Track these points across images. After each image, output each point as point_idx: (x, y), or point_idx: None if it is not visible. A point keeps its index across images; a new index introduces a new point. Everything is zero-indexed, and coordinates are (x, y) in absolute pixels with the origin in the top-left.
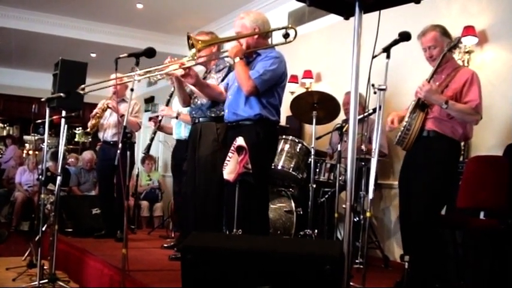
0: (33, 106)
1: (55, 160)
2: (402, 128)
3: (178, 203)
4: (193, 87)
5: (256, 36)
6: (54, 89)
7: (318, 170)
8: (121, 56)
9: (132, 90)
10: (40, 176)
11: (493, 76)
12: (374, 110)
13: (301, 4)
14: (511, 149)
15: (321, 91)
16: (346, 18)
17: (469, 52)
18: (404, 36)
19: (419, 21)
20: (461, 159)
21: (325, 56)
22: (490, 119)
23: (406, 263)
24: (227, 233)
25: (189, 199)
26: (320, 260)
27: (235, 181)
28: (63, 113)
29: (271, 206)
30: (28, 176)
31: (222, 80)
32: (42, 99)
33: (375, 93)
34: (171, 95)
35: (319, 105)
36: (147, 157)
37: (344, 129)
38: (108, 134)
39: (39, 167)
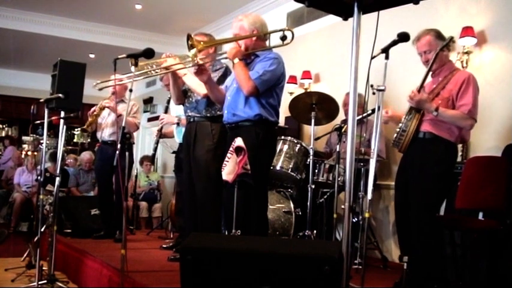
0: (32, 107)
1: (54, 161)
2: (398, 130)
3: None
4: (190, 84)
5: (254, 38)
6: (53, 89)
7: (316, 170)
8: (120, 56)
9: (130, 90)
10: (39, 177)
11: (491, 77)
12: (373, 111)
13: (300, 5)
14: (510, 149)
15: (320, 92)
16: (345, 19)
17: (467, 53)
18: (403, 37)
19: (418, 22)
20: (460, 159)
21: (324, 57)
22: (489, 120)
23: (405, 264)
24: (226, 233)
25: (185, 199)
26: (319, 261)
27: (234, 182)
28: (62, 114)
29: (270, 206)
30: (27, 177)
31: (219, 80)
32: (41, 100)
33: (373, 93)
34: (168, 101)
35: (318, 106)
36: (146, 158)
37: (343, 130)
38: (105, 134)
39: (38, 167)
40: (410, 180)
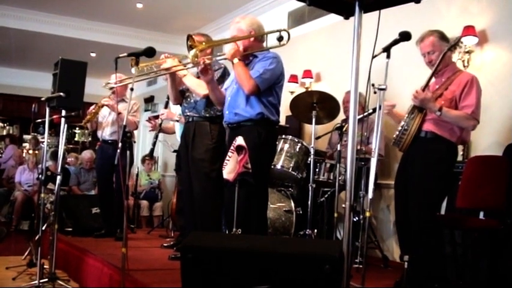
0: (33, 106)
1: (55, 159)
2: (400, 128)
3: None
4: (190, 85)
5: (252, 39)
6: (54, 88)
7: (317, 169)
8: (121, 55)
9: (131, 89)
10: (40, 176)
11: (492, 76)
12: (374, 110)
13: (301, 4)
14: (511, 149)
15: (321, 91)
16: (346, 18)
17: (469, 52)
18: (405, 36)
19: (419, 21)
20: (461, 159)
21: (325, 56)
22: (490, 119)
23: (406, 263)
24: (226, 232)
25: (185, 197)
26: (319, 260)
27: (234, 181)
28: (63, 113)
29: (271, 205)
30: (28, 176)
31: (217, 80)
32: (42, 99)
33: (374, 93)
34: (168, 97)
35: (318, 105)
36: (148, 157)
37: (344, 129)
38: (106, 133)
39: (39, 166)
40: (411, 180)
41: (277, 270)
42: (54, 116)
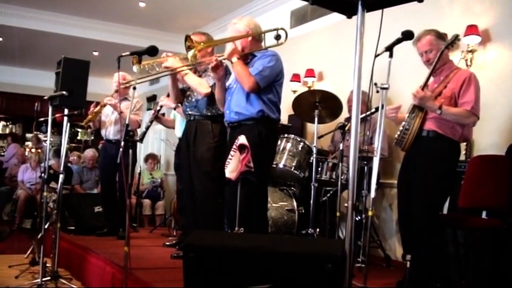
0: (36, 104)
1: (57, 157)
2: (401, 128)
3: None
4: (191, 83)
5: (249, 39)
6: (57, 87)
7: (320, 168)
8: (123, 54)
9: (134, 88)
10: (42, 174)
11: (495, 75)
12: (376, 109)
13: (304, 3)
14: None
15: (323, 90)
16: (349, 16)
17: (471, 51)
18: (407, 35)
19: (422, 20)
20: (463, 158)
21: (328, 55)
22: (493, 119)
23: (408, 262)
24: (229, 231)
25: (186, 196)
26: (322, 259)
27: (237, 180)
28: (66, 111)
29: (274, 204)
30: (30, 174)
31: None
32: (45, 98)
33: (377, 92)
34: None
35: (321, 104)
36: (150, 156)
37: (346, 128)
38: (110, 132)
39: (42, 165)
40: (413, 179)
41: (279, 269)
42: (57, 115)
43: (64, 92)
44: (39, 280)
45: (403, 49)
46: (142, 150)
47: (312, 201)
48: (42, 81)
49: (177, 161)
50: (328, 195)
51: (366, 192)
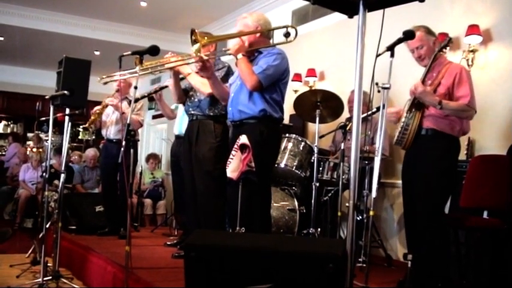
0: (37, 104)
1: (58, 154)
2: (400, 128)
3: (178, 201)
4: (194, 83)
5: (258, 35)
6: (58, 86)
7: (321, 168)
8: (125, 54)
9: (135, 88)
10: (44, 174)
11: (497, 75)
12: (378, 109)
13: (305, 2)
14: None
15: (325, 89)
16: (350, 16)
17: (473, 51)
18: (409, 35)
19: (423, 20)
20: (465, 158)
21: (329, 55)
22: (494, 118)
23: (409, 262)
24: (230, 231)
25: (188, 196)
26: (323, 259)
27: (238, 179)
28: (67, 111)
29: (275, 204)
30: (32, 174)
31: (221, 79)
32: (46, 97)
33: (378, 91)
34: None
35: (322, 104)
36: (151, 156)
37: (347, 128)
38: (110, 132)
39: (43, 164)
40: (415, 177)
41: (280, 269)
42: (58, 114)
43: (65, 92)
44: (40, 280)
45: (404, 49)
46: (143, 149)
47: (313, 201)
48: (43, 81)
49: (174, 159)
50: (330, 195)
51: (367, 192)
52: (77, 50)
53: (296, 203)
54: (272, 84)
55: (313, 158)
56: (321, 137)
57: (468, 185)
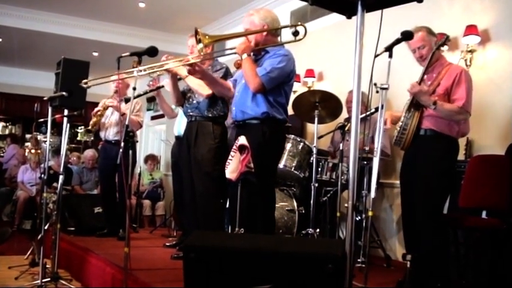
0: (36, 105)
1: (57, 156)
2: (398, 128)
3: (178, 202)
4: (193, 86)
5: (264, 34)
6: (57, 87)
7: (320, 169)
8: (123, 54)
9: (134, 89)
10: (42, 175)
11: (495, 75)
12: (376, 109)
13: (304, 3)
14: None
15: (323, 90)
16: (349, 17)
17: (471, 51)
18: (407, 35)
19: (421, 21)
20: (463, 158)
21: (328, 55)
22: (492, 118)
23: (408, 262)
24: (229, 231)
25: (187, 197)
26: (322, 259)
27: (237, 180)
28: (66, 112)
29: None
30: (30, 175)
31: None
32: (45, 98)
33: (377, 92)
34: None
35: (321, 104)
36: (150, 157)
37: (346, 128)
38: (109, 133)
39: (42, 165)
40: (414, 178)
41: (279, 270)
42: (57, 116)
43: (64, 93)
44: (39, 281)
45: (402, 49)
46: (142, 150)
47: (312, 202)
48: (41, 82)
49: (174, 160)
50: (329, 195)
51: (366, 192)
52: (75, 51)
53: (295, 203)
54: (277, 87)
55: (312, 158)
56: (319, 137)
57: (467, 185)
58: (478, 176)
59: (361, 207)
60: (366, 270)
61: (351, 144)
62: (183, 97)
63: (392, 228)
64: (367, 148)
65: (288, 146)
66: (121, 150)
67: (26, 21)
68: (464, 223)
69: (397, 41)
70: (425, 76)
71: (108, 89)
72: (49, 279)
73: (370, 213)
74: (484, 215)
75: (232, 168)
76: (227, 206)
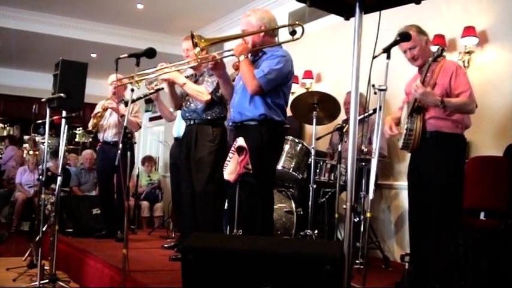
0: (34, 106)
1: (55, 157)
2: (404, 132)
3: (177, 203)
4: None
5: (262, 35)
6: (55, 89)
7: (318, 170)
8: (121, 56)
9: (132, 90)
10: (40, 176)
11: (493, 76)
12: (374, 111)
13: (302, 4)
14: (511, 149)
15: (321, 91)
16: (347, 18)
17: (469, 52)
18: (405, 37)
19: (419, 22)
20: None
21: (326, 57)
22: (491, 120)
23: (406, 264)
24: (228, 232)
25: (187, 199)
26: (320, 261)
27: (235, 182)
28: (64, 114)
29: None
30: (28, 176)
31: (217, 83)
32: (43, 100)
33: (375, 93)
34: None
35: (319, 106)
36: (147, 159)
37: (344, 130)
38: (108, 135)
39: (40, 167)
40: (429, 181)
41: (278, 271)
42: (55, 117)
43: (62, 94)
44: (37, 283)
45: (400, 51)
46: (140, 152)
47: (310, 203)
48: (39, 83)
49: (172, 161)
50: (327, 196)
51: (364, 193)
52: (73, 53)
53: (293, 204)
54: (275, 88)
55: (310, 159)
56: (317, 138)
57: (466, 186)
58: (477, 177)
59: (360, 208)
60: (364, 272)
61: (349, 146)
62: (181, 100)
63: (390, 230)
64: (365, 149)
65: (286, 147)
66: (119, 151)
67: (24, 22)
68: (463, 224)
69: (395, 43)
70: (427, 75)
71: (106, 90)
72: (47, 280)
73: (368, 215)
74: (481, 216)
75: (231, 169)
76: (225, 207)
